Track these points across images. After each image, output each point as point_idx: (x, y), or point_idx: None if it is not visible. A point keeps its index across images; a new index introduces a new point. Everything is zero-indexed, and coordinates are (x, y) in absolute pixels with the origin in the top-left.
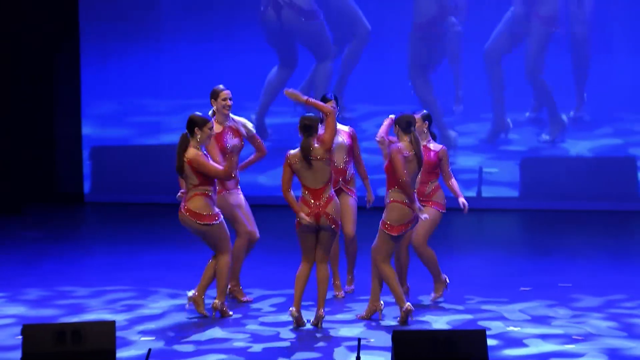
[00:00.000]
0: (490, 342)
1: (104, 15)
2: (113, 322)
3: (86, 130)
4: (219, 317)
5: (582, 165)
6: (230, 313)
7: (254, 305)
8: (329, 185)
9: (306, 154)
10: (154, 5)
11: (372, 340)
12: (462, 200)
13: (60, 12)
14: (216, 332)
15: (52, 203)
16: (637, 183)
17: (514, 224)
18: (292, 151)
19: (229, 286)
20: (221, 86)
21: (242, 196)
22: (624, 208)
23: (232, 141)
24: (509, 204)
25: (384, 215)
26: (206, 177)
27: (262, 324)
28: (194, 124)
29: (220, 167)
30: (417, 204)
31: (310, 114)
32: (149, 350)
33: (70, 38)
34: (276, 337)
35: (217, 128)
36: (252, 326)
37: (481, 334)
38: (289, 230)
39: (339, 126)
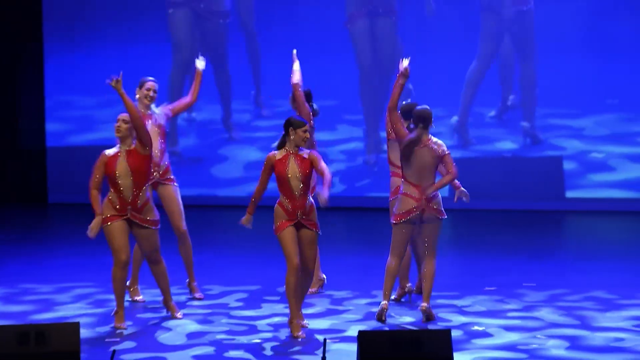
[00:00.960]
0: (455, 333)
1: (68, 15)
2: (77, 324)
3: (50, 130)
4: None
5: (507, 165)
6: (179, 315)
7: (221, 301)
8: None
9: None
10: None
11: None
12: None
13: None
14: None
15: (15, 204)
16: (562, 183)
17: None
18: (276, 152)
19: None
20: (149, 78)
21: (172, 188)
22: (550, 207)
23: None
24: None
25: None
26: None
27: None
28: None
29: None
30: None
31: (299, 117)
32: (114, 351)
33: (34, 39)
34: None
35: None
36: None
37: (446, 334)
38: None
39: None
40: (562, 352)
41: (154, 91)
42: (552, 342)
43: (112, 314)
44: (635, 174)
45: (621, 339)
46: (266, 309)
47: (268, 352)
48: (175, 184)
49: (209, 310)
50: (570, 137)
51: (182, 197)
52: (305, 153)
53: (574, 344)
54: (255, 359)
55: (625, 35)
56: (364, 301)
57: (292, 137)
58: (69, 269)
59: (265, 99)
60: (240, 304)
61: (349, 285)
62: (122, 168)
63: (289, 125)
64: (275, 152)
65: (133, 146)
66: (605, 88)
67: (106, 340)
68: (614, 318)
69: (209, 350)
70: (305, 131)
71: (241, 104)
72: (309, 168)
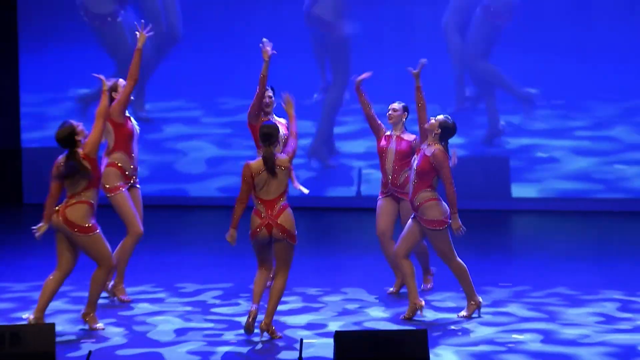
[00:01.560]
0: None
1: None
2: (53, 325)
3: (24, 131)
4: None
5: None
6: (98, 325)
7: (198, 298)
8: (284, 196)
9: (272, 164)
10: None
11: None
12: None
13: None
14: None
15: None
16: (509, 182)
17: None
18: (252, 161)
19: (110, 285)
20: (120, 80)
21: (139, 191)
22: (497, 207)
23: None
24: None
25: (425, 215)
26: (92, 183)
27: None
28: (70, 137)
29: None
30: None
31: (270, 122)
32: (90, 352)
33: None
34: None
35: (119, 118)
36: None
37: (422, 334)
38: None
39: (277, 118)
40: (538, 345)
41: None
42: (527, 335)
43: (84, 315)
44: (578, 165)
45: (588, 335)
46: (244, 305)
47: (258, 346)
48: (138, 185)
49: (189, 308)
50: (516, 136)
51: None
52: (281, 157)
53: (548, 337)
54: (247, 353)
55: (568, 34)
56: (337, 298)
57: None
58: (44, 268)
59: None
60: (217, 301)
61: (317, 283)
62: None
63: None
64: (250, 161)
65: None
66: (545, 84)
67: (81, 341)
68: (581, 313)
69: (199, 345)
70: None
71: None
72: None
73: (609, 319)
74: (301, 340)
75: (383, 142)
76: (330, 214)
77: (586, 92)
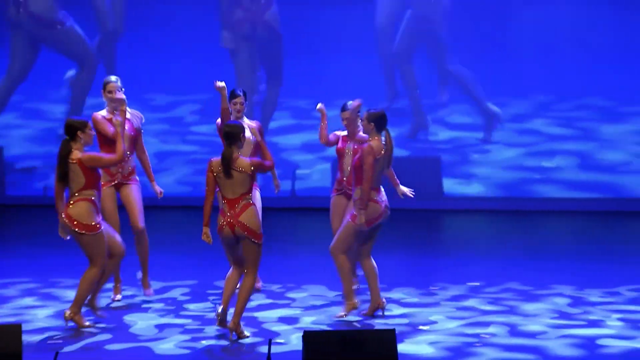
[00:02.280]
0: (401, 329)
1: None
2: (19, 325)
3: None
4: (76, 328)
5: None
6: (87, 323)
7: (167, 295)
8: (248, 196)
9: (227, 164)
10: None
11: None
12: (401, 189)
13: None
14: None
15: None
16: (440, 182)
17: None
18: (214, 158)
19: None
20: (111, 77)
21: (133, 187)
22: (429, 207)
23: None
24: (323, 202)
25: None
26: (93, 179)
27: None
28: (74, 129)
29: (113, 155)
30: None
31: (234, 122)
32: (56, 353)
33: None
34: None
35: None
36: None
37: (390, 333)
38: None
39: (247, 121)
40: (507, 337)
41: (118, 90)
42: (492, 329)
43: (69, 316)
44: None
45: (550, 328)
46: (215, 300)
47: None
48: (138, 183)
49: (161, 305)
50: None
51: None
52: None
53: (514, 329)
54: (235, 345)
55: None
56: (302, 294)
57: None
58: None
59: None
60: (187, 297)
61: (277, 280)
62: None
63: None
64: (214, 158)
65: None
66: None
67: (48, 342)
68: (539, 307)
69: (184, 338)
70: (90, 129)
71: None
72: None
73: (564, 313)
74: (270, 340)
75: (340, 144)
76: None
77: (506, 88)
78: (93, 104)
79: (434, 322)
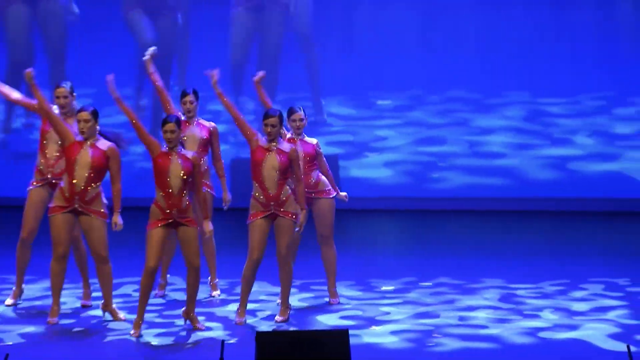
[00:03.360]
0: (358, 322)
1: None
2: None
3: None
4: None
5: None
6: (122, 316)
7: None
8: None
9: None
10: None
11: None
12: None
13: None
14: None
15: None
16: (338, 181)
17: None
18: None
19: None
20: (63, 82)
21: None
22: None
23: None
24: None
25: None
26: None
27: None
28: None
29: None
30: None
31: (171, 117)
32: (7, 355)
33: None
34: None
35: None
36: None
37: (343, 334)
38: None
39: (201, 120)
40: (460, 327)
41: (65, 97)
42: (443, 320)
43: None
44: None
45: (497, 318)
46: (171, 295)
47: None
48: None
49: (120, 300)
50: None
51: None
52: (189, 153)
53: (464, 320)
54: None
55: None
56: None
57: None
58: None
59: None
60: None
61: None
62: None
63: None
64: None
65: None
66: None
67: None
68: (477, 298)
69: (164, 330)
70: (165, 131)
71: None
72: (192, 169)
73: (499, 307)
74: (222, 341)
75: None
76: None
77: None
78: None
79: (387, 313)
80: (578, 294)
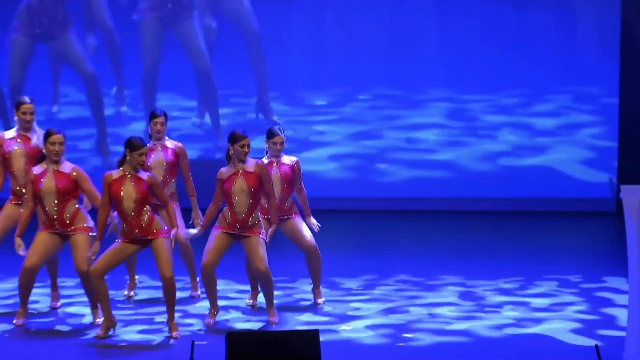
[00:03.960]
0: (331, 318)
1: None
2: None
3: None
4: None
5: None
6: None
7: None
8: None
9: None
10: None
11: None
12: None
13: None
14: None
15: None
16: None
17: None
18: (113, 172)
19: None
20: (25, 98)
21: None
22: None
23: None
24: None
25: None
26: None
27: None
28: None
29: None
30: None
31: (135, 137)
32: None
33: None
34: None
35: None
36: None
37: (314, 334)
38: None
39: (167, 142)
40: (431, 322)
41: (31, 113)
42: (413, 315)
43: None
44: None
45: (465, 313)
46: (150, 292)
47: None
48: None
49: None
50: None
51: None
52: (143, 174)
53: (432, 315)
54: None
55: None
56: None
57: (128, 158)
58: None
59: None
60: (112, 291)
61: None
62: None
63: (126, 147)
64: (112, 171)
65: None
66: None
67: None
68: (441, 294)
69: (147, 326)
70: (140, 155)
71: None
72: (146, 190)
73: (460, 303)
74: (193, 342)
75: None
76: None
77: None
78: None
79: (358, 309)
80: (534, 290)
